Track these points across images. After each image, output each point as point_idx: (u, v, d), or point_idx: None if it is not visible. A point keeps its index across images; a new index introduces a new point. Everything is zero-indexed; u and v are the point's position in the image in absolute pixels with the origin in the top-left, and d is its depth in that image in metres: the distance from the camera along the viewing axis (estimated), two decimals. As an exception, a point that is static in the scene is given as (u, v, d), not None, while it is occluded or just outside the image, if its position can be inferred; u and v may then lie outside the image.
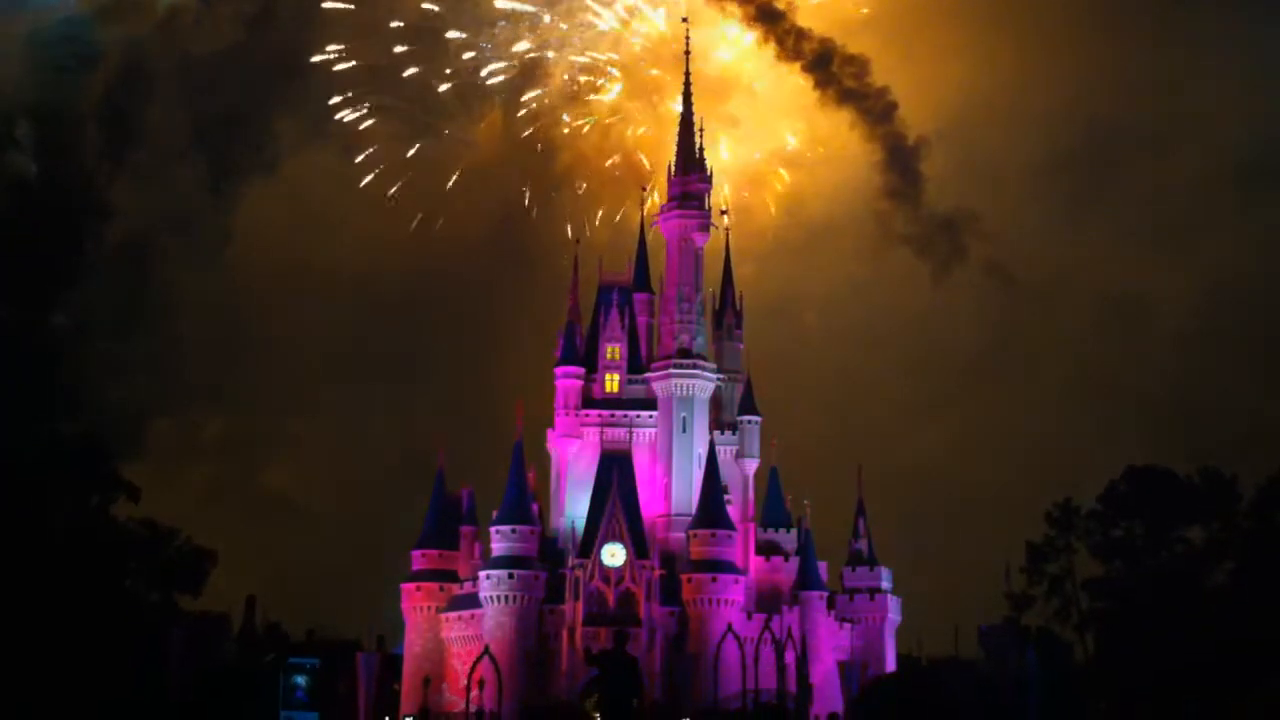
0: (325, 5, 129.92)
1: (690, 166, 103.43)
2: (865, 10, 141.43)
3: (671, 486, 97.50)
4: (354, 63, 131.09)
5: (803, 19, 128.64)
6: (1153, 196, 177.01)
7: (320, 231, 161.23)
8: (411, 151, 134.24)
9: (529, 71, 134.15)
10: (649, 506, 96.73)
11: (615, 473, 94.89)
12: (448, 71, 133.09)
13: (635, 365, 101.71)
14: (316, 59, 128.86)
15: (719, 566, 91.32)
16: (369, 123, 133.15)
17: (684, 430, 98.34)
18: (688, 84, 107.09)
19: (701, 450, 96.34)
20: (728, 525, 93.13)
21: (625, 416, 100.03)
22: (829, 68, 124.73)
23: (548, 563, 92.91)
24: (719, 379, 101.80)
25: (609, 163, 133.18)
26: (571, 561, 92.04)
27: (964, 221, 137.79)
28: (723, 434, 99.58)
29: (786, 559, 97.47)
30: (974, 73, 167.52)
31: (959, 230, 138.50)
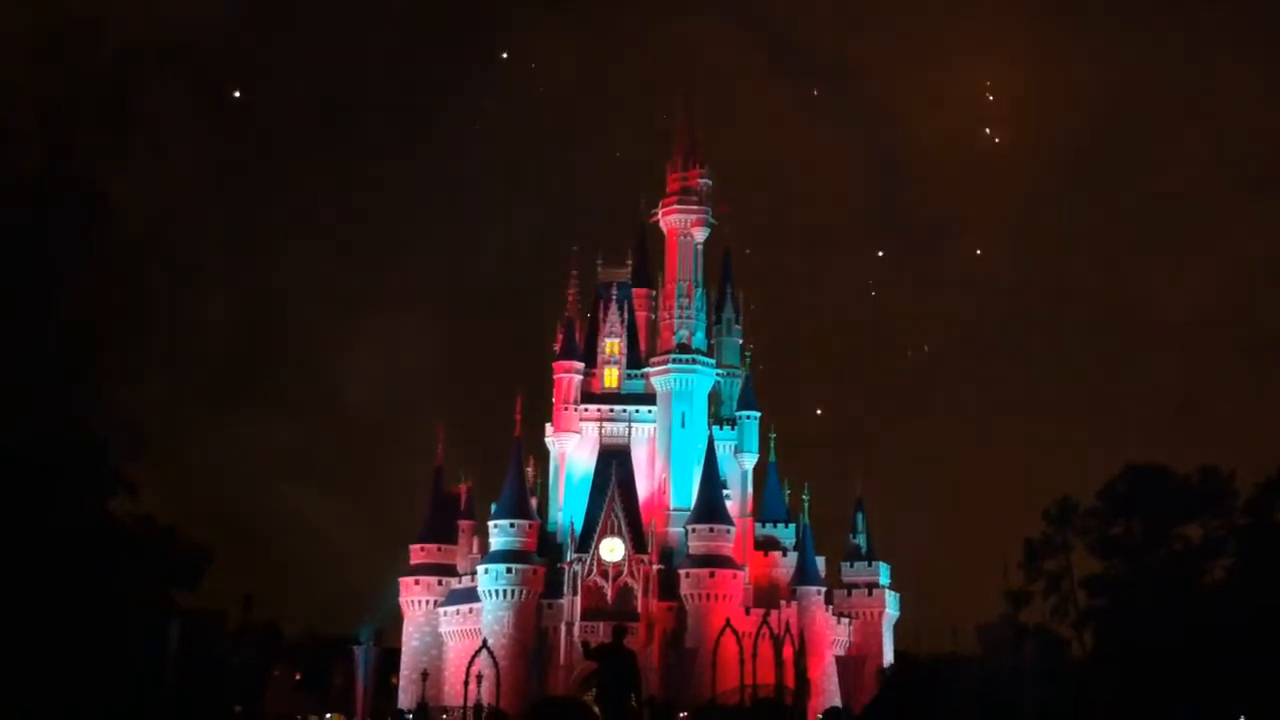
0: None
1: (691, 161, 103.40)
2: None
3: (670, 481, 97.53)
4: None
5: (805, 27, 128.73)
6: (1155, 194, 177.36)
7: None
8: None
9: None
10: (647, 501, 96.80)
11: (614, 467, 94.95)
12: None
13: (634, 360, 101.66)
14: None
15: (717, 561, 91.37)
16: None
17: (683, 425, 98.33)
18: (689, 80, 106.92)
19: (700, 445, 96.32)
20: (726, 520, 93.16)
21: (624, 411, 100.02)
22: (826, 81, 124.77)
23: (546, 557, 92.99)
24: (718, 374, 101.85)
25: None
26: (570, 556, 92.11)
27: (956, 224, 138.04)
28: (721, 429, 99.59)
29: (785, 554, 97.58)
30: (977, 70, 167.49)
31: (951, 233, 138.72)
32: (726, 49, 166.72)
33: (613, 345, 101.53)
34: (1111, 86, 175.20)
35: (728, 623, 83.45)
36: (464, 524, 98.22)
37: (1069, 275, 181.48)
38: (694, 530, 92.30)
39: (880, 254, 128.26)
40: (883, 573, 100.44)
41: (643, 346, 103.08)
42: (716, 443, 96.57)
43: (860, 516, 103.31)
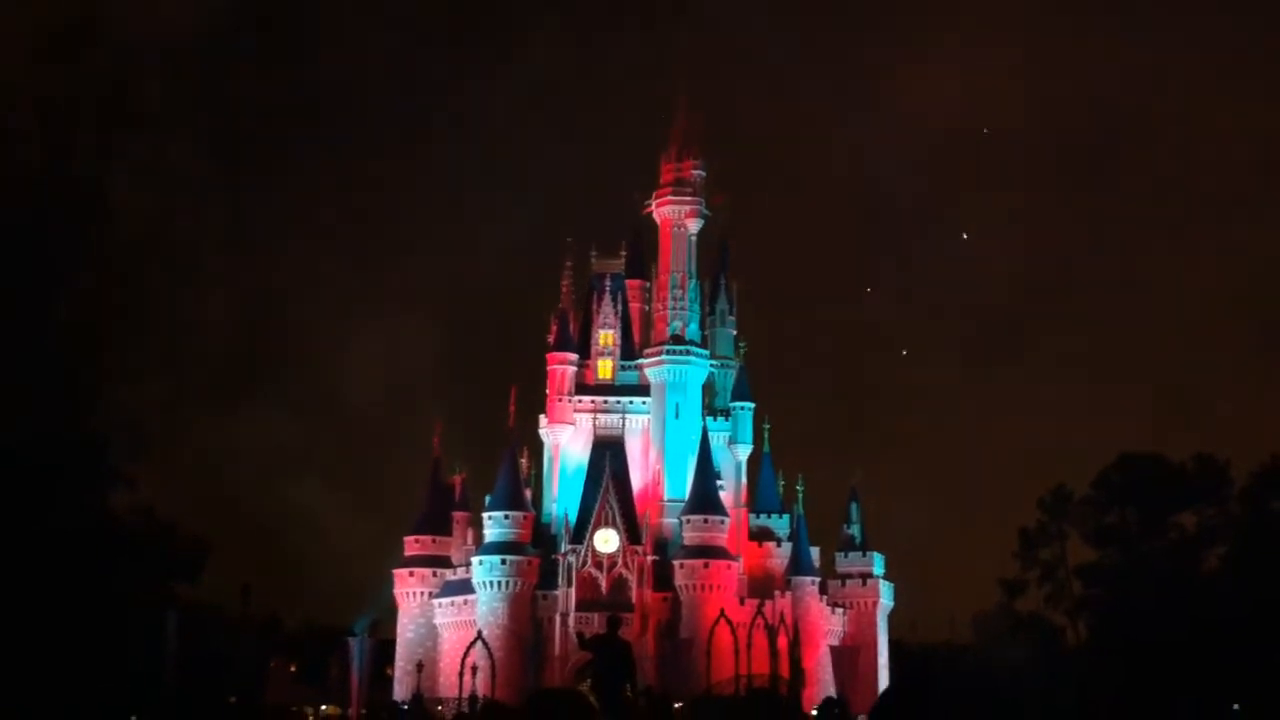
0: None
1: (685, 152, 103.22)
2: None
3: (664, 473, 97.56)
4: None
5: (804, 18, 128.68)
6: (1155, 187, 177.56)
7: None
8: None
9: None
10: (642, 492, 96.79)
11: (608, 459, 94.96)
12: None
13: (628, 351, 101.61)
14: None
15: (711, 552, 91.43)
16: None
17: (677, 416, 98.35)
18: (683, 66, 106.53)
19: (694, 436, 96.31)
20: (720, 511, 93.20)
21: (618, 403, 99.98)
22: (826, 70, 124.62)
23: (541, 548, 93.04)
24: (712, 365, 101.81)
25: None
26: (564, 547, 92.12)
27: (954, 214, 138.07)
28: (715, 420, 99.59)
29: (779, 545, 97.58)
30: (978, 62, 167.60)
31: (948, 222, 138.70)
32: (721, 39, 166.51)
33: (607, 337, 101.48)
34: (1112, 81, 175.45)
35: (722, 613, 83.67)
36: (459, 516, 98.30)
37: (1065, 267, 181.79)
38: (688, 521, 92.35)
39: (869, 289, 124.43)
40: (877, 563, 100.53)
41: (637, 338, 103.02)
42: (710, 434, 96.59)
43: (854, 507, 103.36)
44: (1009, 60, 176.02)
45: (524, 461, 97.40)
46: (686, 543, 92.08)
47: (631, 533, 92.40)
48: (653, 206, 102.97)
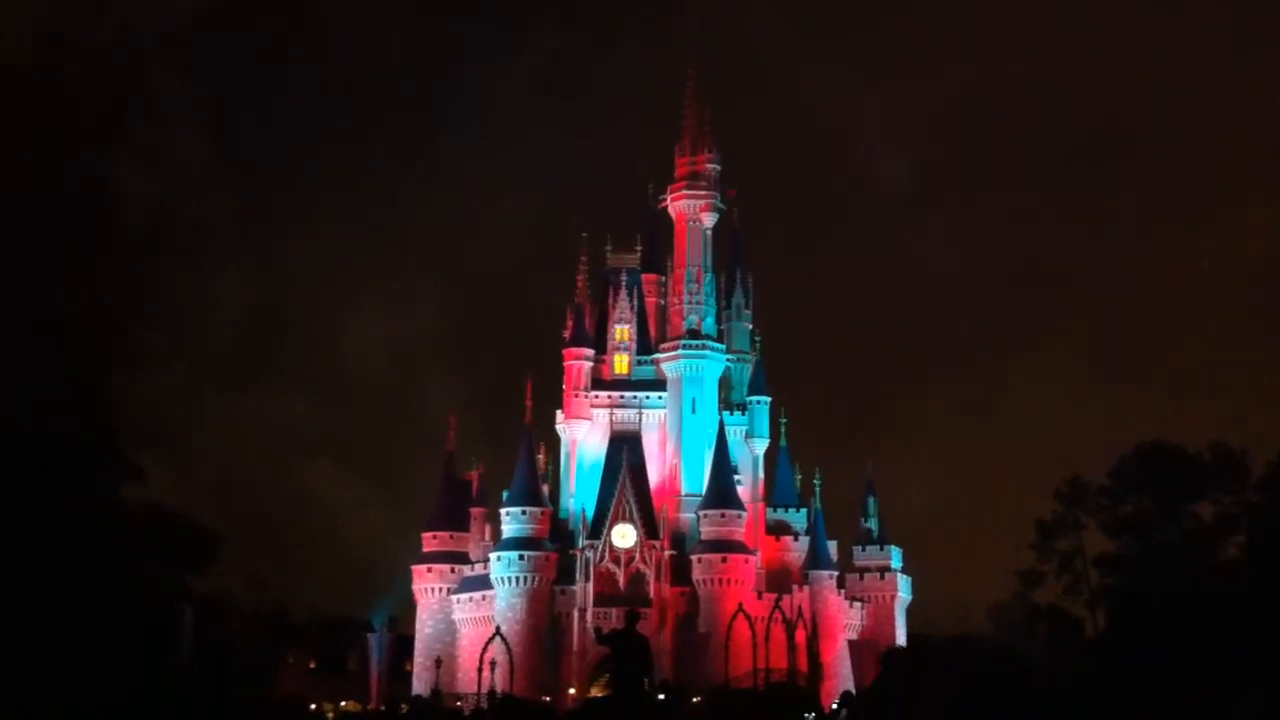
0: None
1: (699, 145, 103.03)
2: None
3: (681, 467, 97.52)
4: None
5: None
6: (1160, 176, 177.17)
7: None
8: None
9: None
10: (659, 487, 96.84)
11: (625, 454, 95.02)
12: None
13: (644, 346, 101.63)
14: None
15: (729, 547, 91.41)
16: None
17: (693, 411, 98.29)
18: (696, 60, 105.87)
19: (711, 431, 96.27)
20: (737, 505, 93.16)
21: (635, 398, 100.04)
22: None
23: (558, 544, 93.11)
24: (728, 359, 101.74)
25: None
26: (582, 542, 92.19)
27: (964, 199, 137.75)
28: (732, 414, 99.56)
29: (796, 539, 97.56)
30: (990, 51, 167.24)
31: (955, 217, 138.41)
32: (730, 28, 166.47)
33: (623, 331, 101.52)
34: (1125, 60, 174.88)
35: (740, 607, 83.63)
36: (476, 511, 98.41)
37: (1077, 253, 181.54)
38: (705, 516, 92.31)
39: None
40: (895, 556, 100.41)
41: (653, 332, 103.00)
42: (727, 428, 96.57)
43: (872, 500, 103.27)
44: (1024, 42, 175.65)
45: (540, 456, 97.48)
46: (704, 537, 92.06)
47: (649, 527, 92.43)
48: (667, 200, 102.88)
